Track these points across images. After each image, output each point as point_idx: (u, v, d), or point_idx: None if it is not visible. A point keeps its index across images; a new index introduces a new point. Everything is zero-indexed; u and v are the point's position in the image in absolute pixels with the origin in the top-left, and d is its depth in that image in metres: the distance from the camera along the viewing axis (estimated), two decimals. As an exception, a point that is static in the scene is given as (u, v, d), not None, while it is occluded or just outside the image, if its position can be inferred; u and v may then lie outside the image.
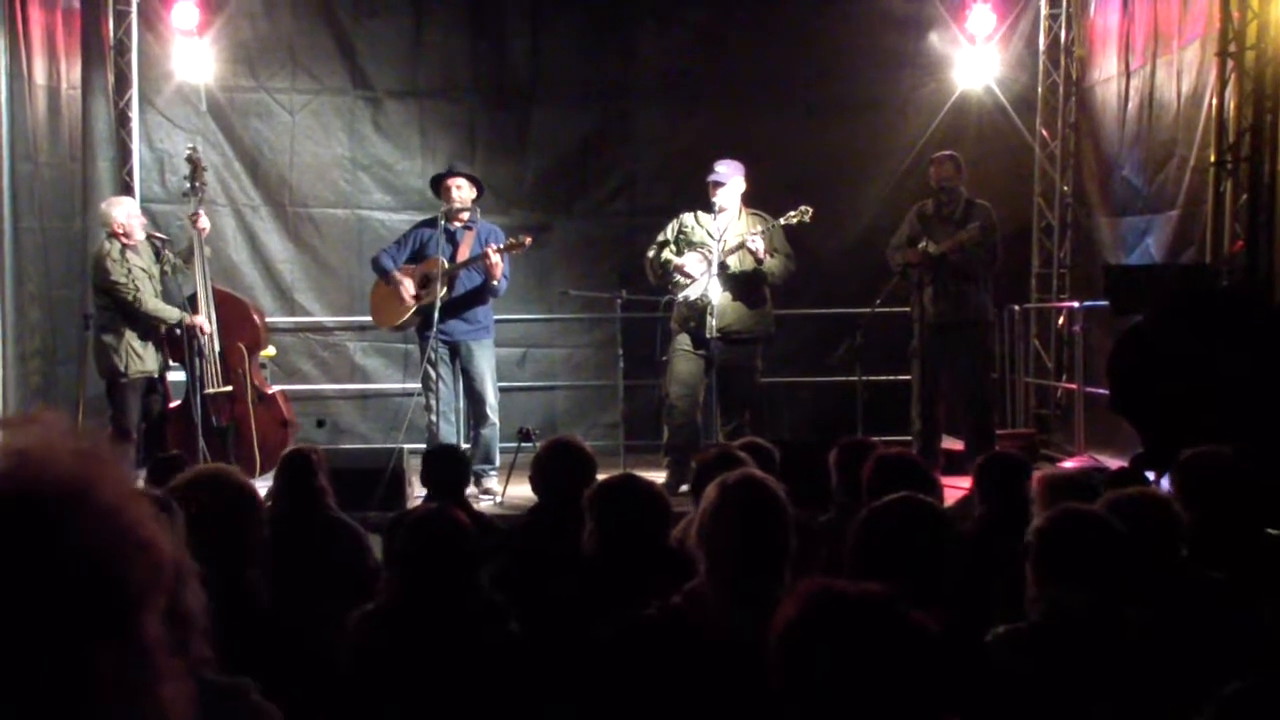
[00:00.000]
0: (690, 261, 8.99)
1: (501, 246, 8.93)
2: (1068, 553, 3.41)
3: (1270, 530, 4.94)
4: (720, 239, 8.93)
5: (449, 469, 6.10)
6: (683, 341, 9.06)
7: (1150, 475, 7.37)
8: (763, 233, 8.84)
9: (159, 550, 1.27)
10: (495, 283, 9.01)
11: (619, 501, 4.15)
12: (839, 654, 2.17)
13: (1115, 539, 3.43)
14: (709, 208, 9.00)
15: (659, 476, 8.04)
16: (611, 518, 4.11)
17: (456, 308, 9.04)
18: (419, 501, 7.30)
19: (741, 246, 8.82)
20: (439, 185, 9.29)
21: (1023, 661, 3.27)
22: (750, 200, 9.15)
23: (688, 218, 9.16)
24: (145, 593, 1.26)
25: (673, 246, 9.13)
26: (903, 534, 3.38)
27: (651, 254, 9.24)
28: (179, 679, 1.29)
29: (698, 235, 9.06)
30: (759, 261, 8.84)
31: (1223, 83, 8.68)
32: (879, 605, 2.24)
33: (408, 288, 9.06)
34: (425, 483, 6.11)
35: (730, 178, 8.99)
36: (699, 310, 8.89)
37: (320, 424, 10.24)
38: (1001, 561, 3.63)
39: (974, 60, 11.07)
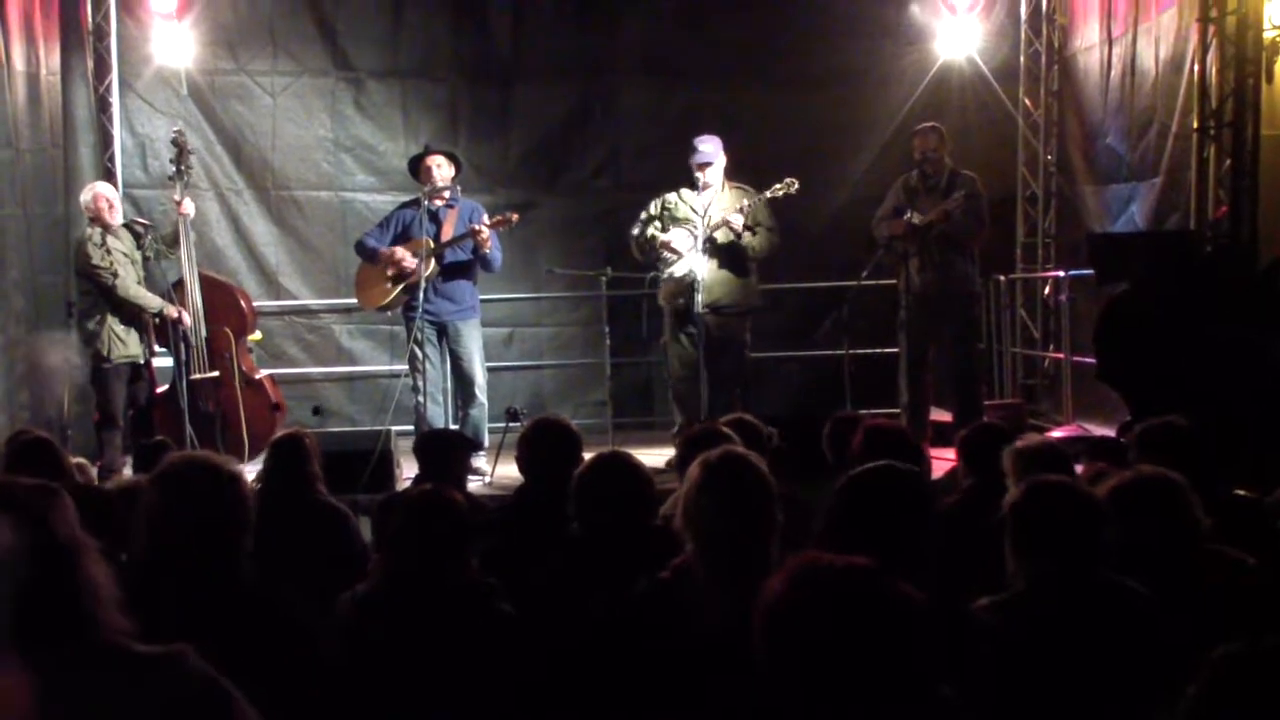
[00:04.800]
0: (676, 238, 8.99)
1: (489, 223, 8.91)
2: (1042, 526, 3.42)
3: (1240, 492, 4.96)
4: (705, 214, 8.93)
5: (446, 456, 6.07)
6: (675, 323, 9.13)
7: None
8: (745, 208, 8.84)
9: None
10: (486, 253, 8.93)
11: (605, 480, 4.16)
12: (825, 626, 2.18)
13: (1088, 508, 3.44)
14: (693, 184, 9.00)
15: (648, 454, 8.03)
16: (598, 496, 4.12)
17: (443, 287, 9.02)
18: (407, 483, 7.30)
19: (726, 223, 8.83)
20: (418, 166, 9.22)
21: (1008, 631, 3.27)
22: (734, 174, 9.14)
23: (671, 196, 9.16)
24: None
25: (657, 223, 9.13)
26: (876, 501, 3.38)
27: (636, 231, 9.24)
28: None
29: (682, 211, 9.05)
30: (738, 238, 8.84)
31: (1204, 48, 8.66)
32: (865, 578, 2.24)
33: (403, 256, 8.94)
34: (421, 465, 6.09)
35: (716, 156, 8.99)
36: (686, 286, 8.89)
37: (316, 411, 10.22)
38: (988, 532, 3.63)
39: (956, 30, 11.03)
